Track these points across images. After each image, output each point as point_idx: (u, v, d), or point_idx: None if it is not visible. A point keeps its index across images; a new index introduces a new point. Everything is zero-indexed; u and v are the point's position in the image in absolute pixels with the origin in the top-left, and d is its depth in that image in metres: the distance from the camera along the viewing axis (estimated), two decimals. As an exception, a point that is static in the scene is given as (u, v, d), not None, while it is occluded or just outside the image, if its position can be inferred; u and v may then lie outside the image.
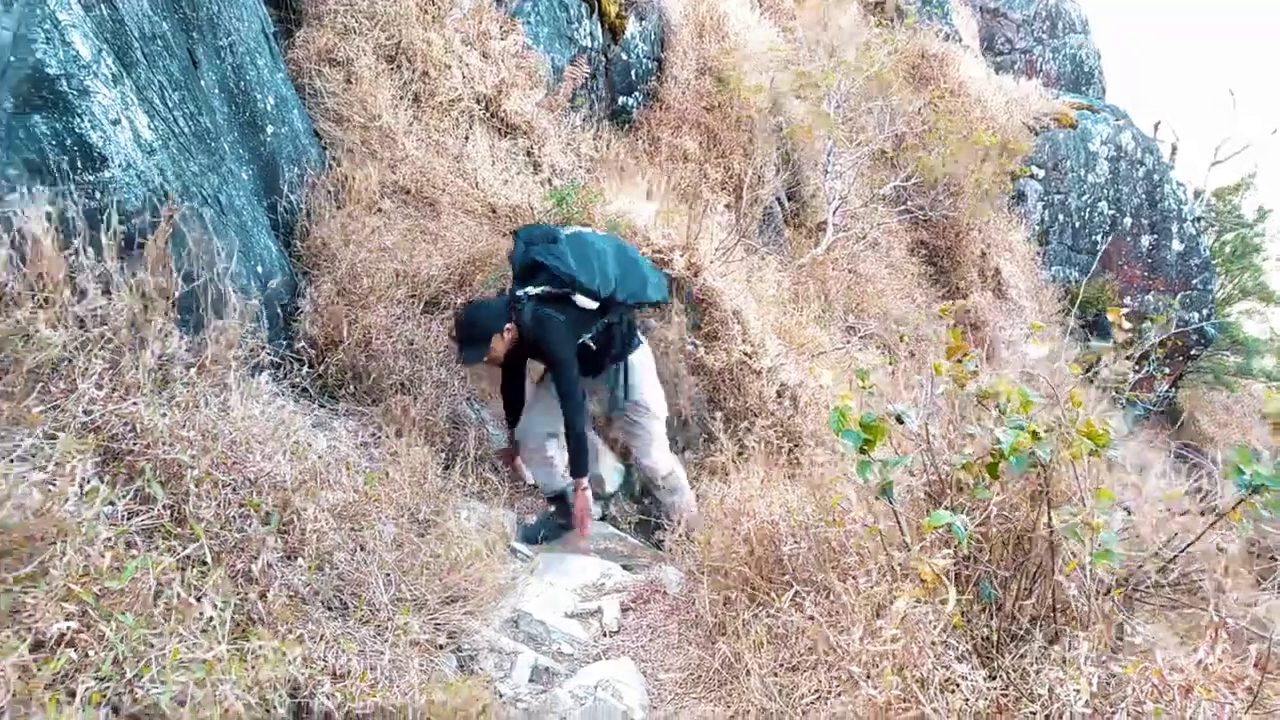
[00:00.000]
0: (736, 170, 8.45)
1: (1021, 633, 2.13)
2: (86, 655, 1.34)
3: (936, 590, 1.76)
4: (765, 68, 9.20)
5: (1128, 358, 10.62)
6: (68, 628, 1.36)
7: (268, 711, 1.42)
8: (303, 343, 3.95)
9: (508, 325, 3.84)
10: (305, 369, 3.75)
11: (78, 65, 3.04)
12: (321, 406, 3.75)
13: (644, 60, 8.19)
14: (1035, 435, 1.80)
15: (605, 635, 3.34)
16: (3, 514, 1.55)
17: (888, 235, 11.15)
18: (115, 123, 3.15)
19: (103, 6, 3.26)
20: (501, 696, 2.20)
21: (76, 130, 3.00)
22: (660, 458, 4.37)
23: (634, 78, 8.01)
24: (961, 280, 12.01)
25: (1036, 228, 13.20)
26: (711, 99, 8.57)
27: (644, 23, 8.23)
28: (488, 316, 3.85)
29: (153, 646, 1.38)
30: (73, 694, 1.27)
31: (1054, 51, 15.70)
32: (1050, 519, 1.97)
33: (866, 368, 2.20)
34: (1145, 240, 13.74)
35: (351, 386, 4.15)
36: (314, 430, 3.27)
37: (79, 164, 2.98)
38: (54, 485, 1.75)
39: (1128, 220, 13.67)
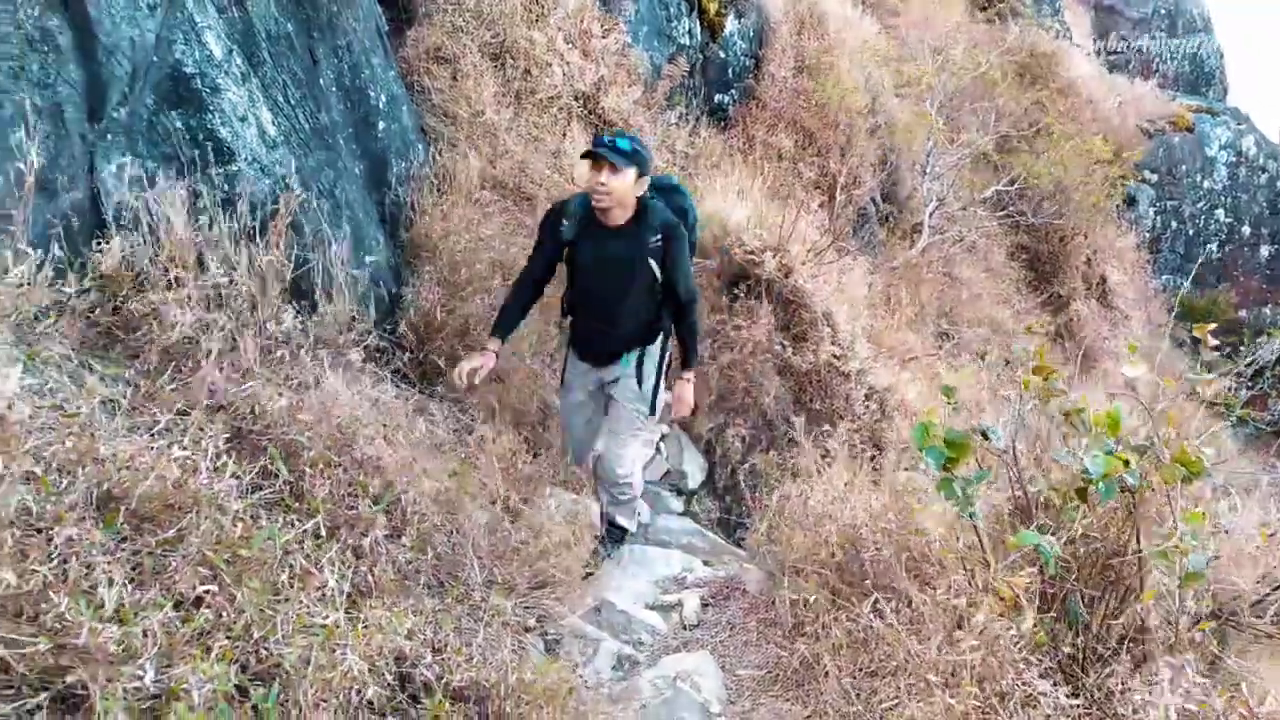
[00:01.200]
0: (832, 170, 8.37)
1: (1108, 653, 2.11)
2: (220, 616, 1.48)
3: (1016, 608, 1.76)
4: (865, 66, 9.08)
5: (1238, 375, 10.11)
6: (204, 590, 1.50)
7: (377, 677, 1.54)
8: (404, 330, 4.13)
9: (648, 176, 3.43)
10: (406, 355, 3.92)
11: (211, 64, 3.26)
12: (420, 392, 3.92)
13: (741, 58, 8.19)
14: (1125, 462, 1.78)
15: (685, 628, 3.41)
16: (147, 484, 1.71)
17: (987, 239, 10.87)
18: (243, 119, 3.36)
19: (234, 9, 3.47)
20: (585, 681, 2.29)
21: (209, 126, 3.21)
22: (628, 455, 3.76)
23: (731, 75, 8.02)
24: (1064, 287, 11.61)
25: (1147, 234, 12.66)
26: (809, 97, 8.51)
27: (743, 20, 8.23)
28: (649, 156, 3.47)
29: (277, 611, 1.51)
30: (208, 650, 1.40)
31: (1172, 51, 14.99)
32: (1139, 542, 1.95)
33: (952, 384, 2.19)
34: (1265, 251, 13.03)
35: (450, 375, 4.32)
36: (414, 415, 3.43)
37: (210, 157, 3.19)
38: (190, 459, 1.90)
39: (1246, 229, 12.99)
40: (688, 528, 4.82)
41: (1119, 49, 14.55)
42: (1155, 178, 12.66)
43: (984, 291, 10.11)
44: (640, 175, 3.39)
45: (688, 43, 7.40)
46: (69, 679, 1.32)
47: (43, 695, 1.31)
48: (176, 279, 2.57)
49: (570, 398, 3.92)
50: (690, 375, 3.72)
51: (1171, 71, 14.96)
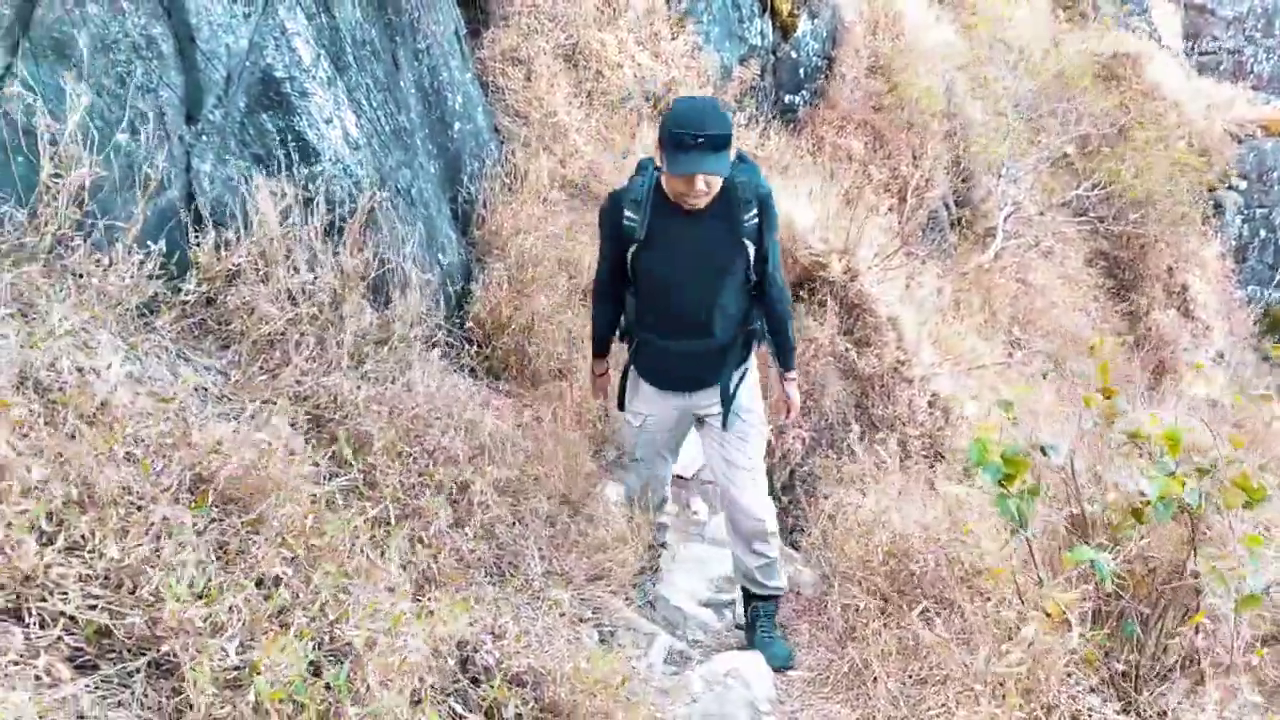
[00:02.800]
0: (903, 173, 8.29)
1: (1164, 673, 2.10)
2: (297, 597, 1.59)
3: (1064, 625, 1.77)
4: (941, 67, 8.95)
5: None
6: (283, 571, 1.61)
7: (440, 661, 1.64)
8: (472, 325, 4.26)
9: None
10: (474, 350, 4.04)
11: (299, 69, 3.41)
12: (487, 386, 4.04)
13: (813, 59, 8.15)
14: (1182, 484, 1.77)
15: (737, 626, 3.46)
16: (232, 467, 1.83)
17: (1063, 244, 10.61)
18: (328, 121, 3.51)
19: (323, 15, 3.63)
20: (637, 673, 2.37)
21: (296, 128, 3.36)
22: (763, 500, 3.12)
23: (802, 76, 8.00)
24: (1144, 296, 11.26)
25: (1233, 243, 12.19)
26: (881, 99, 8.44)
27: (816, 21, 8.19)
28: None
29: (349, 594, 1.62)
30: (286, 626, 1.51)
31: (1268, 52, 14.37)
32: (1197, 563, 1.94)
33: (1012, 398, 2.18)
34: (1363, 263, 12.43)
35: (515, 370, 4.44)
36: (481, 409, 3.54)
37: (296, 158, 3.35)
38: (271, 445, 2.03)
39: (1343, 240, 12.40)
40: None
41: (1210, 50, 14.02)
42: (1244, 184, 12.17)
43: (1059, 299, 9.88)
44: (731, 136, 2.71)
45: (759, 44, 7.40)
46: (163, 648, 1.44)
47: (140, 660, 1.44)
48: (266, 274, 2.71)
49: (637, 430, 3.20)
50: (794, 374, 3.23)
51: (1266, 73, 14.34)
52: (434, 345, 3.59)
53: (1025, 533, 1.95)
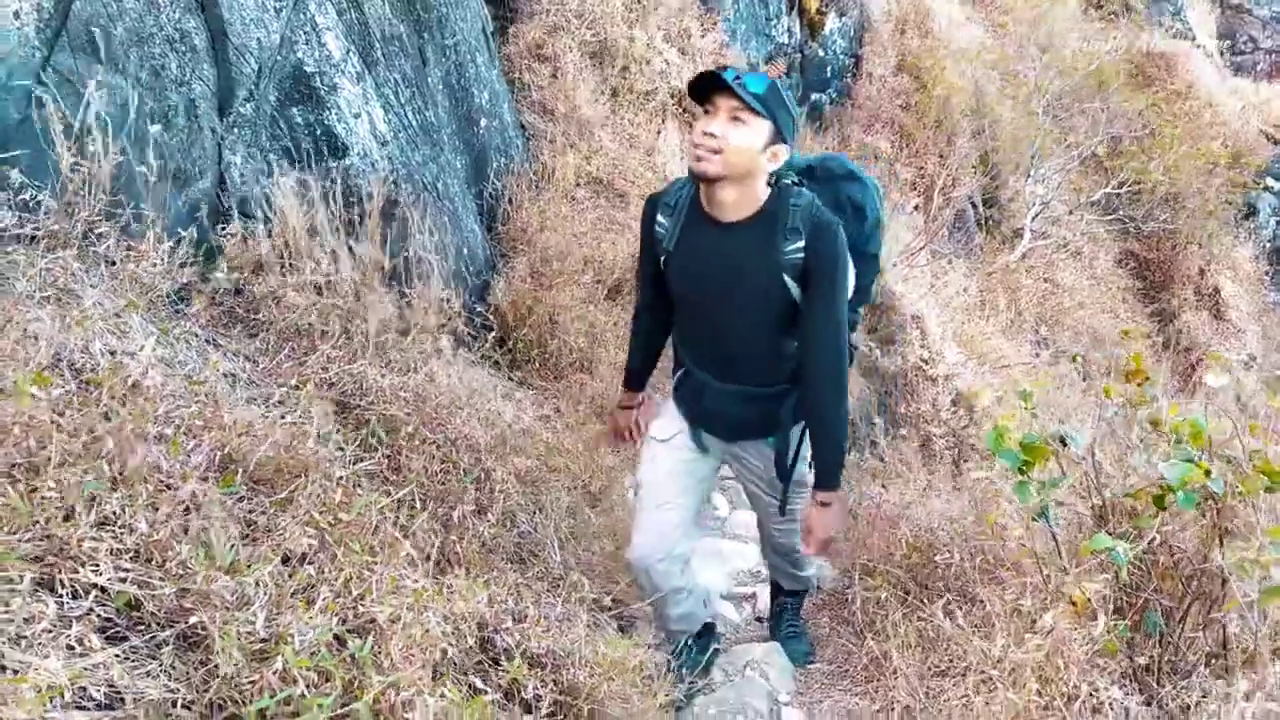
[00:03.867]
0: (930, 171, 8.25)
1: (1188, 667, 2.08)
2: (322, 572, 1.63)
3: (1087, 613, 1.77)
4: (970, 66, 8.89)
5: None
6: (309, 546, 1.64)
7: (460, 639, 1.66)
8: (494, 318, 4.29)
9: (788, 145, 2.23)
10: (496, 343, 4.07)
11: (329, 64, 3.46)
12: (509, 379, 4.07)
13: (840, 57, 8.13)
14: (1206, 471, 1.75)
15: (757, 620, 3.47)
16: (262, 450, 1.87)
17: (1092, 244, 10.50)
18: (357, 116, 3.56)
19: (352, 11, 3.68)
20: (656, 661, 2.38)
21: (325, 122, 3.42)
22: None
23: (829, 74, 7.98)
24: (1174, 298, 11.12)
25: (1267, 244, 11.99)
26: (909, 97, 8.40)
27: (844, 19, 8.17)
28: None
29: (372, 572, 1.65)
30: (311, 602, 1.54)
31: (1306, 50, 14.13)
32: (1222, 554, 1.92)
33: (1032, 389, 2.16)
34: (1402, 265, 12.18)
35: (536, 363, 4.47)
36: (502, 400, 3.57)
37: (324, 151, 3.40)
38: (300, 426, 2.07)
39: (1381, 242, 12.16)
40: (765, 524, 4.85)
41: (1246, 49, 13.81)
42: (1279, 185, 11.97)
43: (1087, 300, 9.78)
44: (776, 138, 2.17)
45: (786, 41, 7.40)
46: (191, 620, 1.48)
47: (169, 632, 1.47)
48: (293, 265, 2.75)
49: (659, 460, 2.58)
50: (830, 496, 2.31)
51: (1304, 73, 14.09)
52: (456, 337, 3.63)
53: (1044, 521, 1.94)
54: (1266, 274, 11.83)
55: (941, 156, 8.41)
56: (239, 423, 1.95)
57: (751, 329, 2.34)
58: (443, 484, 2.47)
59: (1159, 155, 9.74)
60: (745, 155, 2.16)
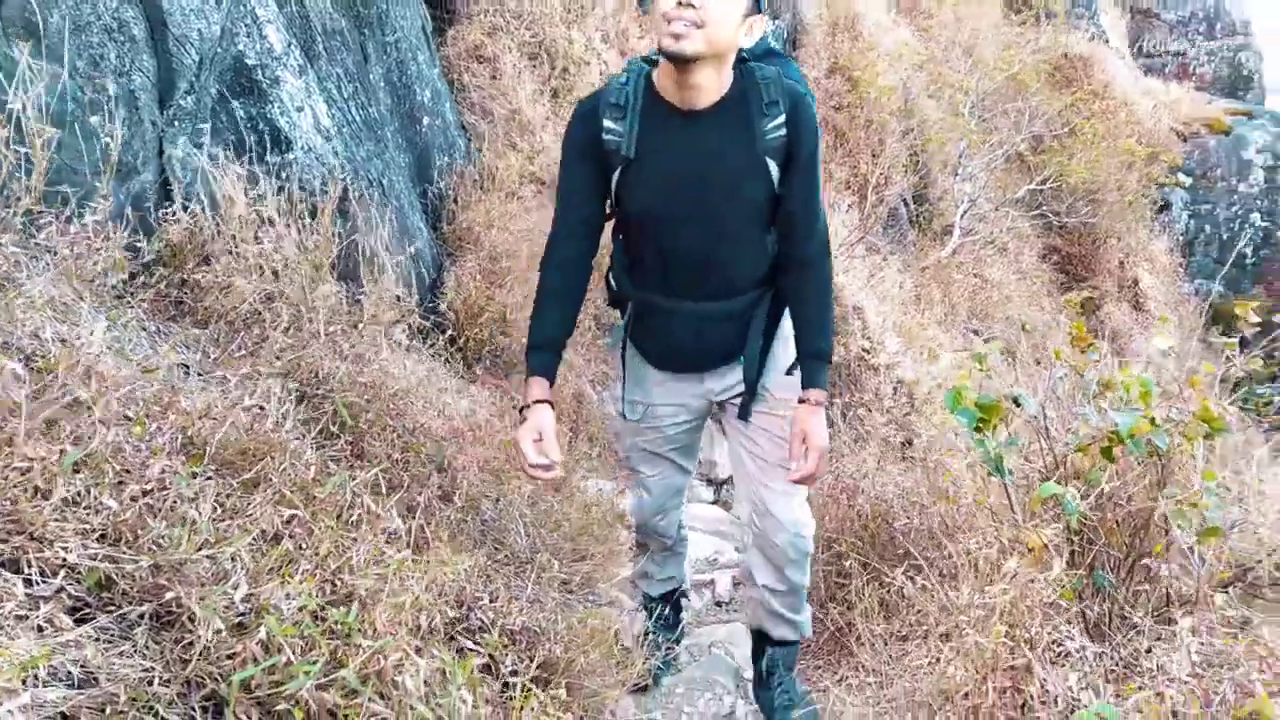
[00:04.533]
0: (863, 170, 8.44)
1: (1136, 620, 2.18)
2: (300, 547, 1.61)
3: (1043, 561, 1.84)
4: (898, 68, 9.14)
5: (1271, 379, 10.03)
6: (285, 522, 1.62)
7: (441, 612, 1.65)
8: (446, 311, 4.27)
9: (764, 15, 2.05)
10: (447, 337, 4.05)
11: (271, 57, 3.41)
12: (460, 376, 4.05)
13: (775, 59, 8.29)
14: (1153, 423, 1.85)
15: (717, 604, 3.51)
16: (223, 431, 1.84)
17: (1019, 240, 10.87)
18: (299, 109, 3.51)
19: (293, 4, 3.63)
20: (628, 633, 2.40)
21: (268, 115, 3.36)
22: (804, 509, 2.40)
23: (764, 76, 8.12)
24: (1096, 290, 11.57)
25: (1181, 238, 12.56)
26: (841, 98, 8.59)
27: (777, 22, 8.32)
28: None
29: (351, 546, 1.64)
30: (291, 575, 1.53)
31: (1210, 54, 14.88)
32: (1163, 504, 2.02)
33: (984, 352, 2.26)
34: (1303, 256, 12.87)
35: (487, 360, 4.45)
36: (458, 395, 3.55)
37: (269, 145, 3.34)
38: (261, 408, 2.04)
39: (1284, 234, 12.85)
40: (719, 515, 4.91)
41: (1155, 52, 14.48)
42: (1190, 181, 12.57)
43: (1015, 293, 10.11)
44: (753, 6, 1.99)
45: (721, 43, 7.52)
46: (166, 596, 1.45)
47: (143, 608, 1.44)
48: (238, 254, 2.71)
49: (641, 436, 2.46)
50: (821, 395, 2.16)
51: (1209, 75, 14.83)
52: (409, 330, 3.60)
53: (1002, 476, 2.02)
54: (1180, 265, 12.39)
55: (874, 155, 8.62)
56: (198, 406, 1.91)
57: (734, 228, 2.09)
58: (405, 470, 2.45)
59: (1079, 151, 10.14)
60: (727, 28, 1.91)
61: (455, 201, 5.07)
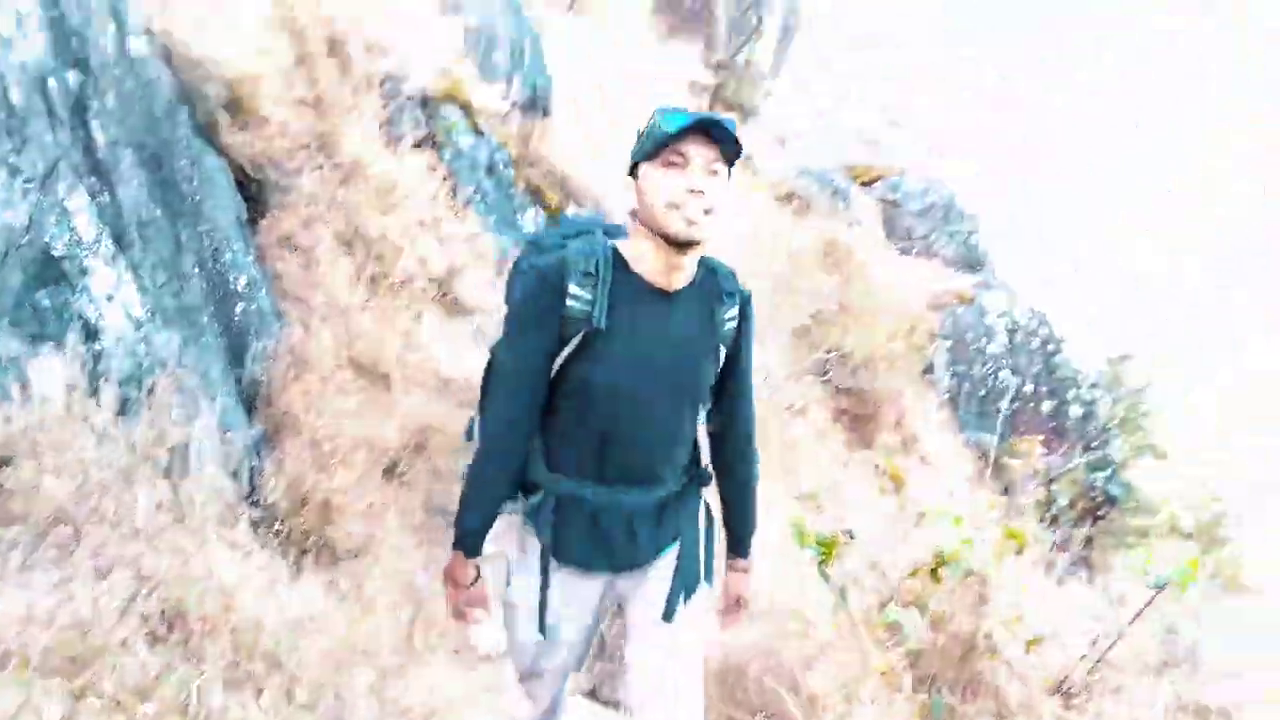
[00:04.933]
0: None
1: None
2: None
3: (895, 682, 1.97)
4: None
5: (1040, 520, 11.19)
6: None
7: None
8: (271, 501, 4.07)
9: None
10: (275, 528, 3.85)
11: (80, 246, 3.32)
12: (291, 565, 3.83)
13: (581, 245, 8.82)
14: (970, 542, 2.08)
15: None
16: (52, 633, 1.68)
17: (815, 404, 11.76)
18: (110, 299, 3.39)
19: (105, 194, 3.57)
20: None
21: (75, 306, 3.23)
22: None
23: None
24: (883, 446, 12.59)
25: (946, 395, 14.04)
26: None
27: (582, 209, 8.94)
28: None
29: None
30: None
31: (949, 237, 17.33)
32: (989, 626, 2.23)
33: (811, 491, 2.46)
34: (1046, 405, 14.69)
35: (314, 551, 4.23)
36: (287, 586, 3.37)
37: (78, 335, 3.19)
38: (81, 614, 1.87)
39: (1029, 387, 14.67)
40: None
41: (905, 236, 16.64)
42: (949, 344, 14.23)
43: (815, 454, 10.83)
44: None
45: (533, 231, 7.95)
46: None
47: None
48: (51, 449, 2.53)
49: (547, 655, 2.14)
50: (748, 563, 2.23)
51: (950, 254, 17.16)
52: (234, 521, 3.40)
53: (846, 607, 2.17)
54: (950, 420, 13.78)
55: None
56: (13, 611, 1.74)
57: (679, 413, 2.01)
58: (238, 666, 2.28)
59: (852, 326, 11.34)
60: (726, 212, 1.87)
61: (272, 386, 4.93)
